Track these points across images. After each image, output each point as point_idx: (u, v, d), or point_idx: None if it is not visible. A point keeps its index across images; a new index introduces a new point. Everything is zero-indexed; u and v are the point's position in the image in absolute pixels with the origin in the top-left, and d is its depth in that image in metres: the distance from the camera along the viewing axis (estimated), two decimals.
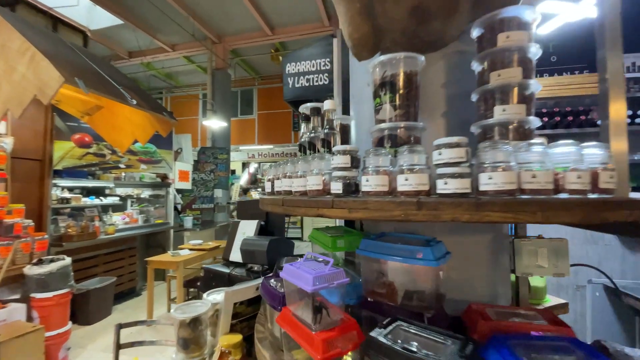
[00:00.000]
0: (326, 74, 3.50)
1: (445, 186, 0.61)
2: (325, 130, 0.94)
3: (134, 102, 2.80)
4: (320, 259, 0.88)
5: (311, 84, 3.52)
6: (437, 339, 0.67)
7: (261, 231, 1.97)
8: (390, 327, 0.72)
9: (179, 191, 6.55)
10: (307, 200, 0.75)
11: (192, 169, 6.86)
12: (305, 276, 0.74)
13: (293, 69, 3.57)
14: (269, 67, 9.43)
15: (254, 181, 11.58)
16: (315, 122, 1.02)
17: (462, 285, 0.99)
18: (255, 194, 10.00)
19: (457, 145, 0.62)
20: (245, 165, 11.70)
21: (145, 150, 5.00)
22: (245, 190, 9.15)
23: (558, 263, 1.10)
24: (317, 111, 1.01)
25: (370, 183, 0.66)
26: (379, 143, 0.82)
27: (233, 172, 10.50)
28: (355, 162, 0.72)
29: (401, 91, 0.79)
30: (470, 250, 1.00)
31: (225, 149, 7.33)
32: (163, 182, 5.64)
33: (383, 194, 0.66)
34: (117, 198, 5.08)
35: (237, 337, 1.23)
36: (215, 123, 6.73)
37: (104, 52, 7.79)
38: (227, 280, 1.74)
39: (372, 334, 0.68)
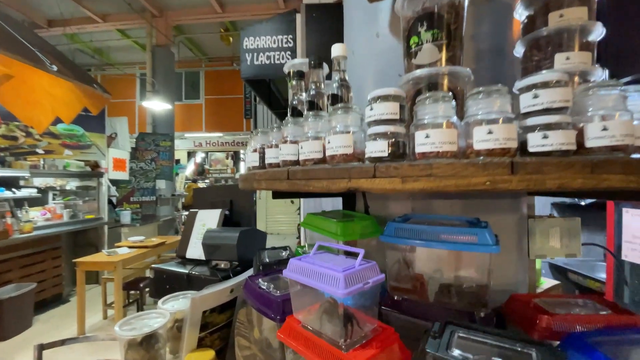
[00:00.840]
0: (289, 52, 3.22)
1: (544, 141, 0.44)
2: (336, 84, 0.72)
3: (55, 68, 2.26)
4: (334, 250, 0.67)
5: (272, 61, 3.22)
6: (515, 348, 0.51)
7: (225, 222, 1.69)
8: (446, 336, 0.54)
9: (113, 182, 5.76)
10: (332, 169, 0.53)
11: (129, 157, 6.07)
12: (332, 275, 0.52)
13: (252, 44, 3.23)
14: (217, 47, 8.73)
15: (201, 172, 10.82)
16: (315, 77, 0.79)
17: (461, 274, 0.85)
18: (203, 186, 9.31)
19: (557, 83, 0.45)
20: (191, 154, 10.85)
21: (70, 132, 4.24)
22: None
23: (570, 243, 1.03)
24: (319, 63, 0.79)
25: (432, 140, 0.47)
26: (413, 100, 0.63)
27: (177, 161, 9.65)
28: (402, 114, 0.52)
29: (448, 27, 0.60)
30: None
31: (169, 135, 6.64)
32: (94, 171, 4.89)
33: (450, 155, 0.47)
34: (35, 190, 4.26)
35: (209, 354, 0.97)
36: (157, 105, 6.01)
37: (17, 20, 6.49)
38: (186, 282, 1.44)
39: (429, 348, 0.50)
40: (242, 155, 11.18)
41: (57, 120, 3.41)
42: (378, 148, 0.50)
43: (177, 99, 8.60)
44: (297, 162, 0.66)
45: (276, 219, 8.82)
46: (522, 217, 0.91)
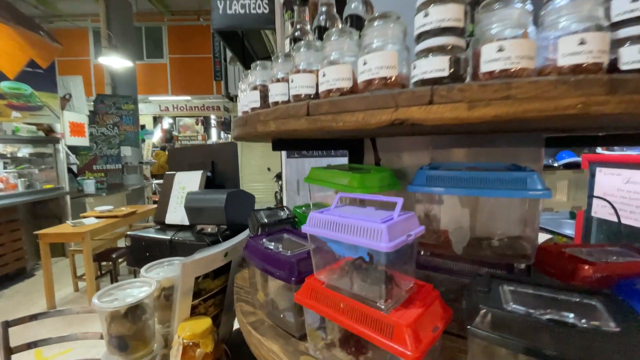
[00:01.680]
0: (265, 1, 2.92)
1: None
2: (355, 3, 0.59)
3: None
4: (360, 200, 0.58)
5: (247, 11, 2.92)
6: (573, 300, 0.46)
7: (207, 184, 1.55)
8: (494, 290, 0.48)
9: (72, 149, 5.28)
10: (372, 97, 0.42)
11: (88, 121, 5.54)
12: (372, 228, 0.44)
13: None
14: None
15: (170, 139, 10.23)
16: None
17: (498, 226, 0.81)
18: None
19: None
20: (157, 119, 10.17)
21: (17, 91, 3.73)
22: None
23: (577, 195, 1.01)
24: None
25: (507, 54, 0.37)
26: None
27: (143, 127, 9.02)
28: (465, 22, 0.41)
29: None
30: None
31: (131, 97, 6.10)
32: (48, 136, 4.42)
33: (527, 74, 0.38)
34: None
35: (205, 322, 0.89)
36: (115, 62, 5.42)
37: None
38: (168, 249, 1.32)
39: (484, 304, 0.43)
40: (212, 121, 10.64)
41: (0, 77, 2.97)
42: (435, 66, 0.39)
43: (138, 58, 7.84)
44: (313, 97, 0.54)
45: (251, 187, 8.64)
46: (540, 168, 0.86)
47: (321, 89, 0.51)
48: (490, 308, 0.42)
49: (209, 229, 1.31)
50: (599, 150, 1.98)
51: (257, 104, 0.66)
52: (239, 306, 0.78)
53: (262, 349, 0.61)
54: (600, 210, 2.08)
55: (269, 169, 8.25)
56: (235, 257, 1.02)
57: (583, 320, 0.40)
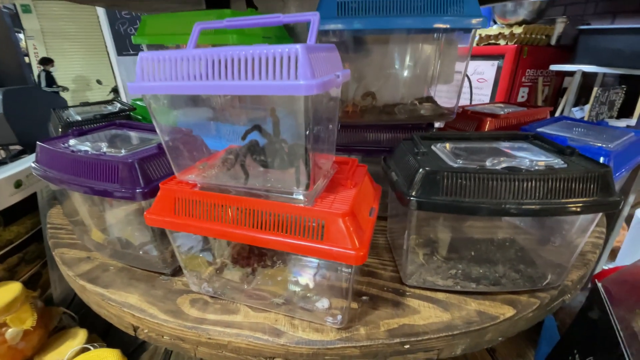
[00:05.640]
0: None
1: None
2: None
3: None
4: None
5: None
6: (509, 145, 0.39)
7: None
8: (431, 151, 0.37)
9: None
10: None
11: None
12: (276, 54, 0.22)
13: None
14: None
15: None
16: None
17: (411, 85, 0.70)
18: None
19: None
20: None
21: None
22: None
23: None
24: None
25: None
26: None
27: None
28: None
29: None
30: None
31: None
32: None
33: None
34: None
35: (9, 290, 0.57)
36: None
37: None
38: None
39: (428, 165, 0.32)
40: None
41: None
42: None
43: None
44: None
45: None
46: None
47: None
48: (438, 169, 0.31)
49: None
50: None
51: None
52: (59, 255, 0.49)
53: (111, 307, 0.39)
54: None
55: (99, 82, 6.32)
56: (44, 188, 0.66)
57: (533, 162, 0.33)
